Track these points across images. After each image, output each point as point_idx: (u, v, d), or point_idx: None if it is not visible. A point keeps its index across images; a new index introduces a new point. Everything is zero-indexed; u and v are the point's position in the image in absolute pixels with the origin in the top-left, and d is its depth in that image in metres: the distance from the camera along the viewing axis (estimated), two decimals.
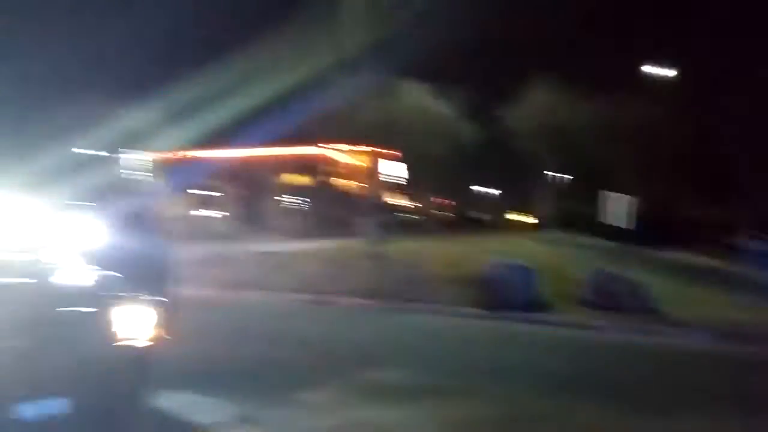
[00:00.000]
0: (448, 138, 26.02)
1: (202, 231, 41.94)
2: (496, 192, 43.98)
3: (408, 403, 5.15)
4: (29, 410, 3.74)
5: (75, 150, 29.27)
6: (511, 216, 43.30)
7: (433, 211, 32.24)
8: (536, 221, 33.37)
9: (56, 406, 3.84)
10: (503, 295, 10.06)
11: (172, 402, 5.01)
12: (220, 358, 6.63)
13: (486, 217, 41.26)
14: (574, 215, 24.86)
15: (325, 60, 21.88)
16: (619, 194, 11.94)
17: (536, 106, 23.91)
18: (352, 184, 53.50)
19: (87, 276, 4.78)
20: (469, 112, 25.99)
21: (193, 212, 46.86)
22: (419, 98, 23.74)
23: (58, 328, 4.01)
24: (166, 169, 35.31)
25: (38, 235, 5.28)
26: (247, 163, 48.91)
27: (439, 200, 39.73)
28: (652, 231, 17.58)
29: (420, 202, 40.87)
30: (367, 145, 19.26)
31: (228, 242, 24.15)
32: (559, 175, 29.11)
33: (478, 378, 6.13)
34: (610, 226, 11.83)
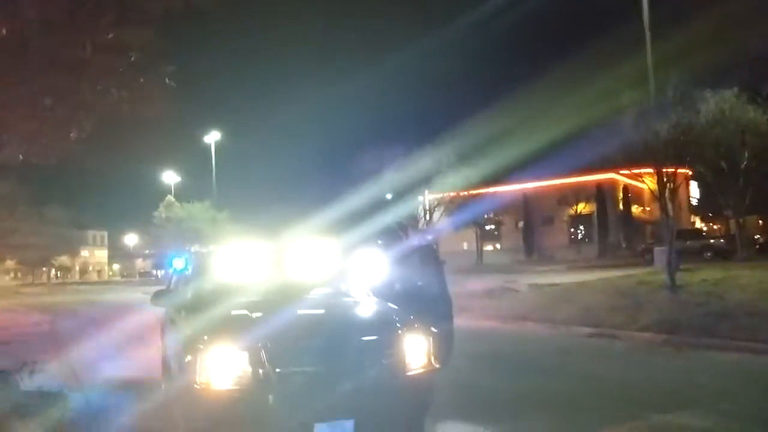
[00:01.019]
0: (761, 146, 22.48)
1: (486, 263, 43.09)
2: None
3: None
4: (325, 430, 4.22)
5: (385, 195, 32.59)
6: None
7: (740, 234, 27.90)
8: None
9: (346, 427, 4.26)
10: None
11: (447, 430, 5.17)
12: (497, 389, 6.65)
13: None
14: None
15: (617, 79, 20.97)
16: None
17: None
18: (643, 209, 49.59)
19: (374, 308, 5.29)
20: None
21: (474, 246, 48.45)
22: (724, 106, 20.99)
23: (352, 355, 4.46)
24: (450, 206, 37.43)
25: (337, 271, 6.02)
26: (528, 196, 48.99)
27: (749, 220, 34.29)
28: None
29: (726, 225, 35.81)
30: (658, 165, 17.59)
31: (510, 274, 24.39)
32: None
33: None
34: None
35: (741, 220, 28.06)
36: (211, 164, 42.21)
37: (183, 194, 48.93)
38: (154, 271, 66.90)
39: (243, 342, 4.31)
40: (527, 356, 9.22)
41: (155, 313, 7.47)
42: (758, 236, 37.23)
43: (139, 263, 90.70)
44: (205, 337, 4.43)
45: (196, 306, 5.34)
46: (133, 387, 6.89)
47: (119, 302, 25.42)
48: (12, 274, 80.00)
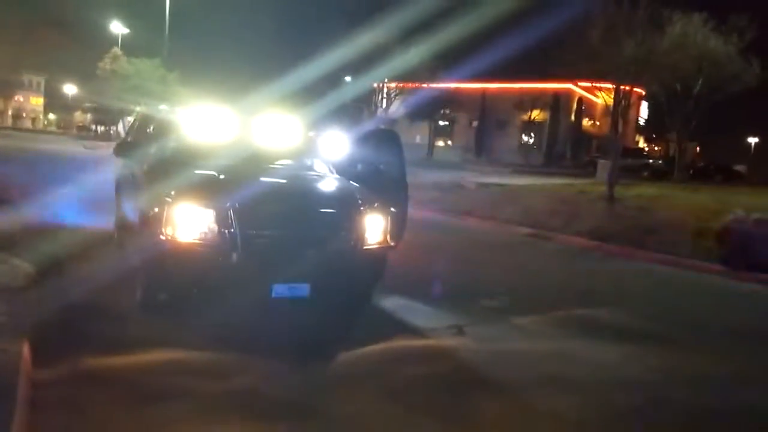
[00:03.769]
0: (717, 76, 22.95)
1: (433, 158, 43.65)
2: (763, 142, 38.04)
3: (617, 343, 5.08)
4: (283, 290, 4.54)
5: (339, 75, 32.03)
6: None
7: (680, 157, 29.16)
8: None
9: (303, 289, 4.59)
10: (749, 252, 8.99)
11: (392, 303, 5.63)
12: (439, 274, 7.16)
13: (744, 168, 36.03)
14: None
15: None
16: None
17: None
18: (593, 123, 50.61)
19: (339, 185, 5.52)
20: (750, 47, 22.43)
21: (427, 140, 48.78)
22: (687, 29, 21.10)
23: (316, 225, 4.74)
24: (406, 96, 37.17)
25: (302, 149, 6.20)
26: (486, 96, 49.03)
27: (690, 145, 35.69)
28: None
29: (667, 147, 37.18)
30: (616, 82, 17.88)
31: (459, 171, 24.98)
32: None
33: (698, 332, 5.75)
34: None
35: (682, 145, 29.20)
36: (164, 19, 39.82)
37: (131, 49, 46.31)
38: (93, 126, 64.36)
39: (211, 201, 4.48)
40: (467, 248, 9.79)
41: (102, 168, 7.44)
42: (699, 162, 38.89)
43: (78, 116, 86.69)
44: (173, 192, 4.56)
45: (162, 163, 5.42)
46: (85, 237, 6.99)
47: (63, 154, 24.70)
48: None
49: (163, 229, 4.40)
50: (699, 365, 4.76)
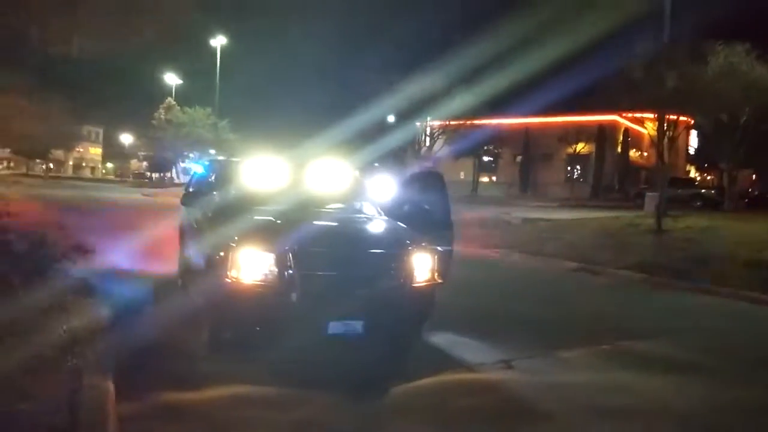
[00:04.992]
0: (764, 104, 22.61)
1: (478, 194, 43.70)
2: None
3: (663, 374, 5.17)
4: (338, 327, 4.87)
5: (386, 118, 32.99)
6: None
7: (731, 186, 28.48)
8: None
9: (357, 326, 4.90)
10: None
11: (441, 339, 5.87)
12: (485, 309, 7.35)
13: None
14: None
15: (622, 20, 20.82)
16: None
17: None
18: (640, 154, 49.82)
19: (387, 226, 5.87)
20: None
21: (471, 176, 48.89)
22: (730, 59, 21.02)
23: (367, 265, 5.07)
24: (451, 135, 37.62)
25: (351, 192, 6.61)
26: (529, 131, 49.03)
27: (741, 174, 34.77)
28: None
29: (717, 176, 36.32)
30: (661, 112, 17.92)
31: (504, 207, 25.05)
32: None
33: (746, 364, 5.77)
34: None
35: (733, 173, 28.57)
36: (216, 70, 41.73)
37: (184, 98, 48.49)
38: (149, 173, 67.10)
39: (271, 244, 4.88)
40: (513, 283, 9.94)
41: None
42: (750, 190, 37.86)
43: (134, 164, 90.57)
44: (236, 237, 4.98)
45: (224, 210, 5.88)
46: (154, 282, 7.50)
47: (124, 202, 25.96)
48: (4, 164, 79.88)
49: (227, 272, 4.80)
50: (747, 398, 4.80)
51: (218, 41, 41.21)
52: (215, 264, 5.07)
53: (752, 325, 7.79)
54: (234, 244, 4.89)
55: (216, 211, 6.04)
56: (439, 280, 5.42)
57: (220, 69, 41.72)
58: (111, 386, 4.03)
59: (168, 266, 7.90)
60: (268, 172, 6.19)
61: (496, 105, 34.08)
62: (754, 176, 49.47)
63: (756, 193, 36.32)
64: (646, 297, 9.35)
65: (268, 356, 4.85)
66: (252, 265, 4.79)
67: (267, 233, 5.13)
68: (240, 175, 6.40)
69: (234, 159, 7.76)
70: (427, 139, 38.04)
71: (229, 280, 4.78)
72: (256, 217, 5.50)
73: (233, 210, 5.74)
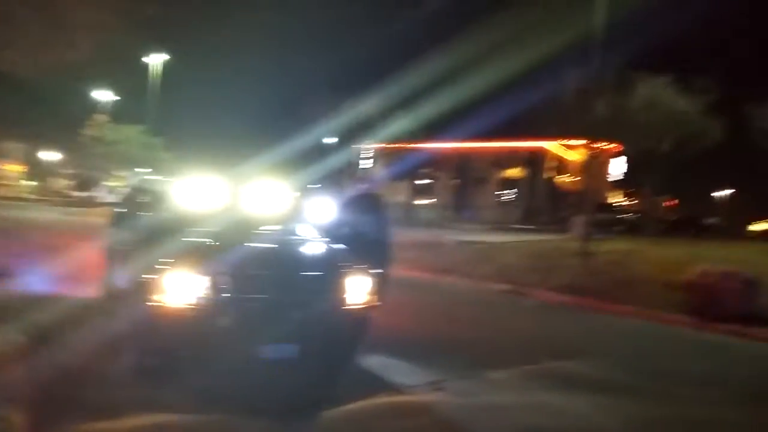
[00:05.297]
0: (685, 134, 24.02)
1: (414, 217, 44.16)
2: (733, 195, 39.25)
3: (589, 394, 5.33)
4: (270, 351, 4.78)
5: (324, 140, 33.05)
6: (750, 222, 38.31)
7: (653, 212, 29.97)
8: None
9: (289, 350, 4.83)
10: (718, 304, 9.38)
11: (374, 362, 5.85)
12: (418, 331, 7.41)
13: (716, 221, 37.01)
14: None
15: (551, 50, 21.73)
16: None
17: None
18: (568, 179, 51.77)
19: (324, 248, 5.83)
20: (713, 107, 23.60)
21: (407, 199, 49.46)
22: (655, 91, 22.27)
23: (302, 288, 5.02)
24: (388, 158, 38.02)
25: (289, 214, 6.54)
26: (463, 155, 50.13)
27: (662, 200, 36.69)
28: None
29: (640, 201, 38.15)
30: (589, 140, 18.76)
31: (436, 229, 25.38)
32: None
33: (667, 382, 6.02)
34: None
35: (654, 199, 30.08)
36: (149, 87, 40.65)
37: (118, 116, 46.90)
38: (74, 192, 64.17)
39: (204, 267, 4.76)
40: (446, 305, 10.07)
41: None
42: (670, 217, 39.90)
43: (59, 182, 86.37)
44: (166, 260, 4.84)
45: (155, 231, 5.71)
46: (76, 306, 7.14)
47: (44, 222, 24.69)
48: None
49: (155, 296, 4.64)
50: (669, 415, 5.01)
51: (152, 59, 40.17)
52: (144, 287, 4.90)
53: (673, 345, 8.18)
54: (162, 267, 4.75)
55: (146, 233, 5.86)
56: (376, 303, 5.42)
57: (156, 87, 40.71)
58: (21, 417, 3.80)
59: (91, 290, 7.55)
60: (202, 192, 6.03)
61: (433, 129, 34.79)
62: (673, 202, 52.24)
63: (674, 218, 38.28)
64: (573, 318, 9.68)
65: (195, 383, 4.69)
66: (183, 288, 4.66)
67: (199, 255, 5.01)
68: (172, 195, 6.24)
69: (166, 178, 7.57)
70: (365, 161, 38.33)
71: (159, 304, 4.63)
72: (188, 239, 5.37)
73: (164, 231, 5.58)
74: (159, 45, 35.38)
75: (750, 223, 38.99)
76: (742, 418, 5.06)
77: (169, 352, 4.78)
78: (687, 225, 33.81)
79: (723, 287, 9.48)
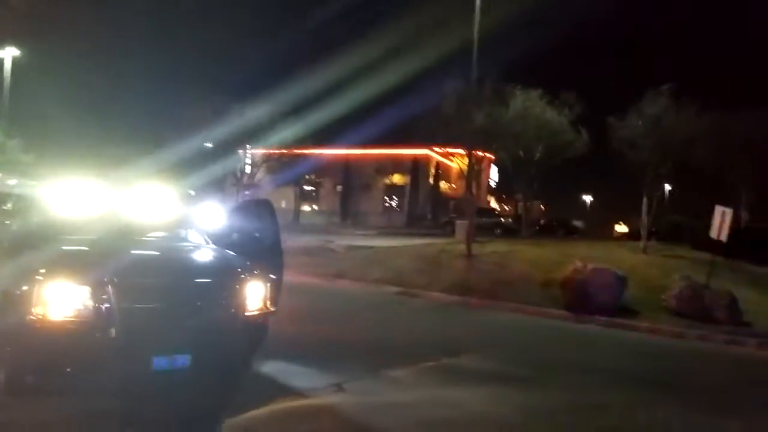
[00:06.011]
0: (554, 143, 25.71)
1: (300, 223, 43.87)
2: (596, 200, 42.75)
3: (483, 386, 5.60)
4: (162, 363, 4.53)
5: (205, 144, 31.96)
6: (611, 224, 42.04)
7: (527, 215, 31.92)
8: (638, 231, 32.41)
9: (183, 360, 4.61)
10: (589, 299, 10.19)
11: (272, 367, 5.76)
12: (315, 336, 7.38)
13: (582, 224, 40.27)
14: (676, 226, 24.26)
15: (434, 61, 22.52)
16: (724, 207, 11.51)
17: (648, 115, 22.97)
18: (450, 186, 53.77)
19: (215, 254, 5.63)
20: (579, 118, 25.47)
21: (293, 205, 49.04)
22: (527, 103, 23.70)
23: (193, 296, 4.79)
24: (274, 163, 37.48)
25: (175, 220, 6.24)
26: (349, 162, 50.58)
27: (536, 204, 39.22)
28: (757, 245, 16.85)
29: (515, 206, 40.50)
30: (467, 148, 19.60)
31: (323, 235, 25.40)
32: (667, 186, 28.12)
33: (552, 371, 6.48)
34: (712, 239, 11.52)
35: (527, 204, 31.98)
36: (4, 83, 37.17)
37: None
38: None
39: (84, 276, 4.41)
40: (340, 309, 10.10)
41: None
42: (541, 220, 42.75)
43: None
44: (43, 270, 4.44)
45: (25, 239, 5.23)
46: None
47: None
48: None
49: (32, 308, 4.26)
50: (554, 400, 5.37)
51: (7, 52, 36.66)
52: (15, 300, 4.46)
53: (554, 337, 8.75)
54: (40, 277, 4.36)
55: (14, 241, 5.35)
56: (272, 309, 5.32)
57: (13, 85, 37.28)
58: None
59: None
60: (76, 196, 5.58)
61: (318, 136, 34.78)
62: (542, 207, 55.91)
63: (544, 221, 41.04)
64: (462, 316, 10.08)
65: (79, 400, 4.37)
66: (62, 300, 4.30)
67: (79, 264, 4.65)
68: (42, 201, 5.74)
69: (32, 182, 6.95)
70: (249, 167, 37.50)
71: (34, 317, 4.24)
72: (65, 247, 4.97)
73: (36, 239, 5.13)
74: (22, 42, 32.43)
75: (613, 225, 42.69)
76: (621, 400, 5.53)
77: (51, 369, 4.40)
78: (557, 227, 36.51)
79: (594, 283, 10.31)
